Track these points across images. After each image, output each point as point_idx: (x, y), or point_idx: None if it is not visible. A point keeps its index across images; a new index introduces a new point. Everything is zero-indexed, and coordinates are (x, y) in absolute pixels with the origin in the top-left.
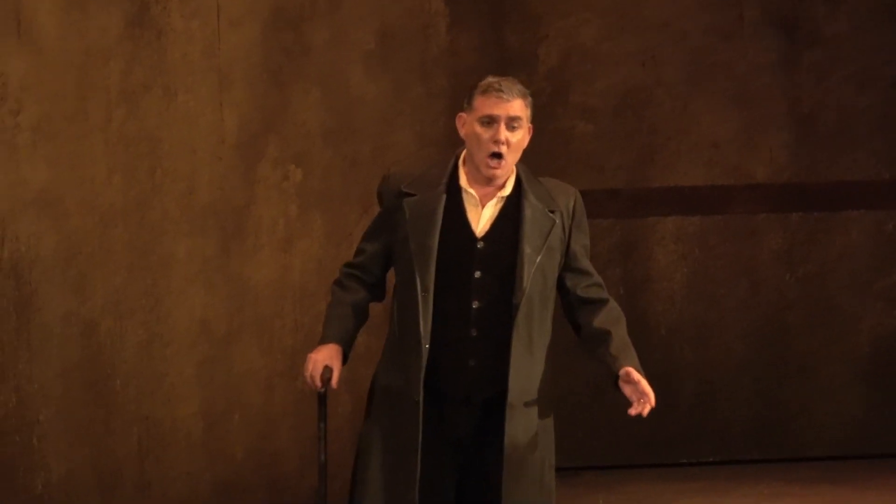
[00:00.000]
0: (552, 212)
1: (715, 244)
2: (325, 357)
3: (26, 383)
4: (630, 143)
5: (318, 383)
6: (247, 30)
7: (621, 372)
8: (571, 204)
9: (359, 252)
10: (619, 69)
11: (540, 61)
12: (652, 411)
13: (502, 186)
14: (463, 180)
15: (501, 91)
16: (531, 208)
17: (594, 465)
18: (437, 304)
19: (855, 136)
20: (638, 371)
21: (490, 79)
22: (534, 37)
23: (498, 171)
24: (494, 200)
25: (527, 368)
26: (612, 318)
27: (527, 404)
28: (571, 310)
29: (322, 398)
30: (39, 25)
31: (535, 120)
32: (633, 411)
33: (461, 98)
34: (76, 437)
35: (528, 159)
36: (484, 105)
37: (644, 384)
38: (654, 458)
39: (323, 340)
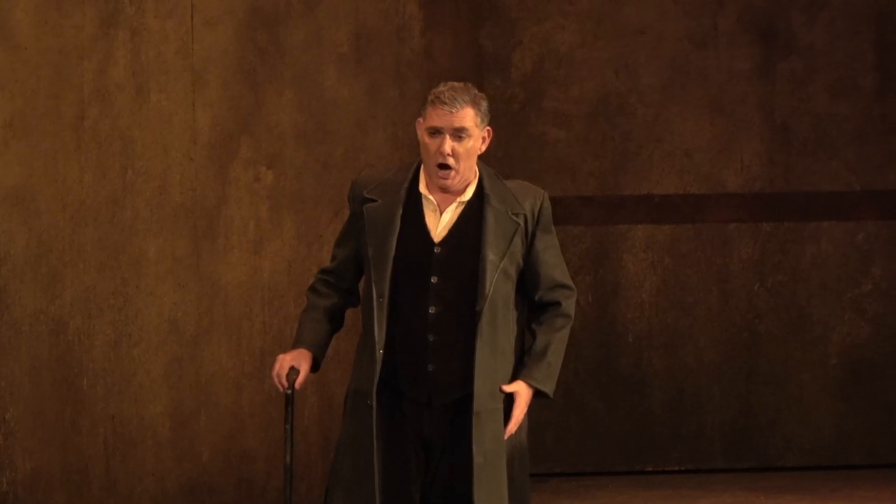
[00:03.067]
0: (516, 214)
1: (686, 253)
2: (292, 359)
3: None
4: (603, 150)
5: (284, 383)
6: (221, 30)
7: (503, 386)
8: (538, 206)
9: (332, 258)
10: (594, 76)
11: (514, 66)
12: (623, 417)
13: (462, 192)
14: (422, 186)
15: (445, 103)
16: (493, 213)
17: (562, 472)
18: (394, 309)
19: (829, 146)
20: (529, 386)
21: (440, 88)
22: (509, 42)
23: (447, 182)
24: (454, 206)
25: (492, 373)
26: (547, 322)
27: (494, 409)
28: (528, 311)
29: (288, 400)
30: (15, 23)
31: (509, 125)
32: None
33: None
34: (43, 435)
35: (501, 164)
36: (431, 116)
37: (516, 408)
38: (623, 466)
39: (294, 345)
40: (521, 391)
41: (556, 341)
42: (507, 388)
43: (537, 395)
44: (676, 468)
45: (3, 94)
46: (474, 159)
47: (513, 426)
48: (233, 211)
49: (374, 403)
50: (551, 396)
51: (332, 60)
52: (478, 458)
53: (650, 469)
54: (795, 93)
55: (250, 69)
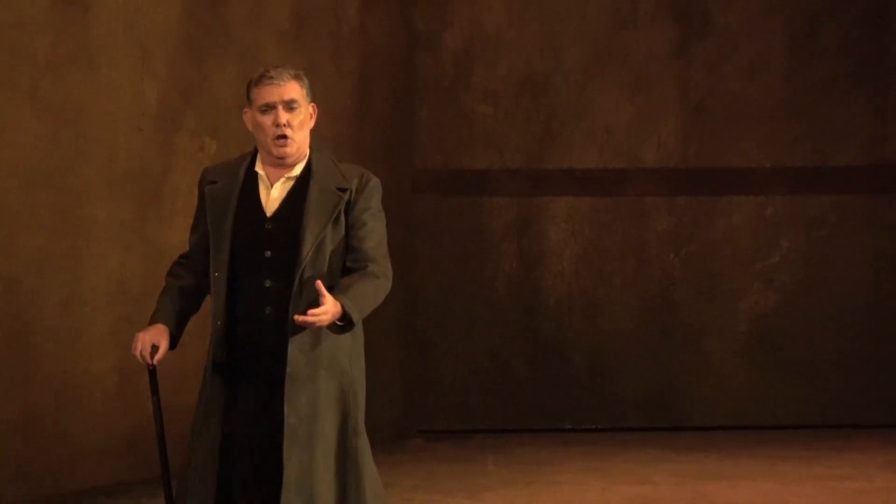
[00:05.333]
0: (342, 190)
1: (605, 223)
2: (151, 336)
3: None
4: (528, 127)
5: (148, 359)
6: (168, 7)
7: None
8: (363, 184)
9: (189, 244)
10: (520, 55)
11: (445, 45)
12: (544, 378)
13: (292, 167)
14: (258, 165)
15: (272, 78)
16: (318, 187)
17: (487, 429)
18: (234, 283)
19: (741, 125)
20: (338, 301)
21: (261, 70)
22: (440, 22)
23: (287, 150)
24: (282, 181)
25: (310, 341)
26: (355, 276)
27: (312, 375)
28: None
29: (152, 373)
30: None
31: (439, 101)
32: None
33: (371, 80)
34: None
35: (432, 137)
36: (260, 95)
37: (318, 311)
38: (544, 424)
39: (151, 322)
40: (329, 305)
41: (362, 283)
42: (318, 309)
43: (343, 319)
44: (594, 427)
45: None
46: (307, 132)
47: (309, 320)
48: (178, 178)
49: (209, 377)
50: (354, 323)
51: (273, 37)
52: (290, 419)
53: (569, 427)
54: (710, 74)
55: (196, 45)
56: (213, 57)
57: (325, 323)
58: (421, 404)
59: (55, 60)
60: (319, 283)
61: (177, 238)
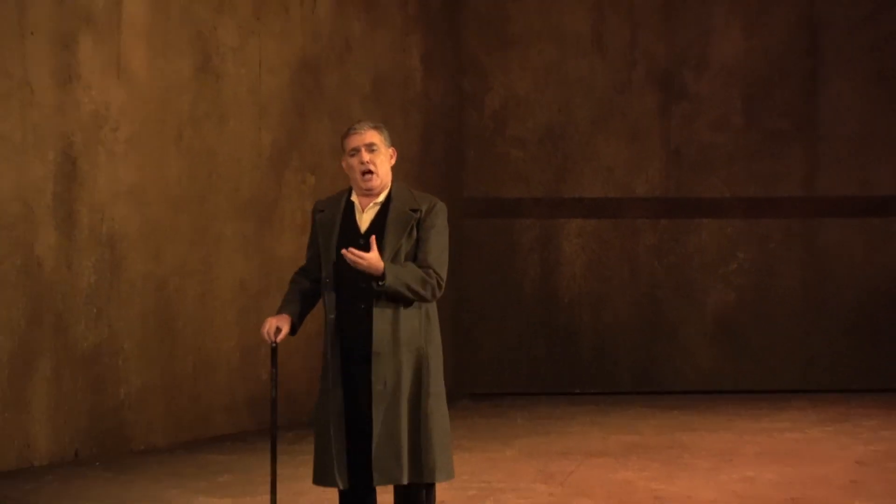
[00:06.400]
0: (414, 210)
1: (606, 240)
2: (277, 321)
3: None
4: (549, 166)
5: (272, 337)
6: (280, 76)
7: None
8: (431, 208)
9: (306, 258)
10: (543, 112)
11: (486, 105)
12: (560, 357)
13: (377, 196)
14: (353, 197)
15: (356, 129)
16: (396, 209)
17: (515, 392)
18: (339, 286)
19: (709, 166)
20: (382, 262)
21: (350, 126)
22: (483, 87)
23: (372, 183)
24: (371, 206)
25: (391, 326)
26: (413, 265)
27: (393, 352)
28: None
29: (274, 350)
30: (134, 67)
31: (482, 147)
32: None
33: (432, 130)
34: (149, 361)
35: (476, 175)
36: (348, 143)
37: (362, 255)
38: (558, 389)
39: (278, 311)
40: (372, 255)
41: (412, 268)
42: (361, 252)
43: (382, 278)
44: (596, 391)
45: (125, 118)
46: (387, 168)
47: (350, 256)
48: (286, 204)
49: (330, 359)
50: (384, 282)
51: (358, 98)
52: (377, 387)
53: (577, 391)
54: (686, 127)
55: (300, 104)
56: (312, 113)
57: (361, 265)
58: (467, 374)
59: (195, 115)
60: (373, 239)
61: (285, 249)
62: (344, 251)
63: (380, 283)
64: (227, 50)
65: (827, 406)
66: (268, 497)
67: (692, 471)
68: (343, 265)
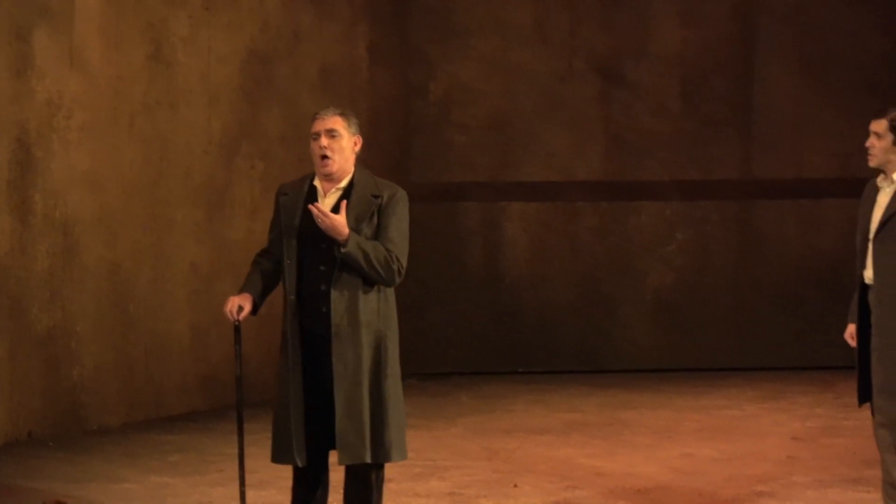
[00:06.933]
0: (376, 196)
1: (548, 222)
2: (239, 299)
3: None
4: (492, 151)
5: (235, 316)
6: (230, 65)
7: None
8: (392, 194)
9: (268, 241)
10: (487, 100)
11: (431, 93)
12: (504, 337)
13: (338, 181)
14: (316, 181)
15: (320, 115)
16: (357, 195)
17: (460, 371)
18: (301, 268)
19: (648, 150)
20: (348, 230)
21: (317, 109)
22: (428, 76)
23: (328, 168)
24: (333, 192)
25: (350, 307)
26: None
27: (352, 334)
28: None
29: (237, 328)
30: (87, 56)
31: (428, 134)
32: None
33: (378, 118)
34: (102, 343)
35: (421, 160)
36: (312, 127)
37: (327, 216)
38: (503, 368)
39: (240, 291)
40: (339, 218)
41: (376, 244)
42: (328, 212)
43: (344, 245)
44: (539, 370)
45: (78, 107)
46: (347, 155)
47: (316, 210)
48: (236, 190)
49: (290, 339)
50: (346, 248)
51: (307, 88)
52: (338, 367)
53: (521, 370)
54: (625, 114)
55: (249, 92)
56: (262, 101)
57: (325, 222)
58: (414, 354)
59: (147, 103)
60: (344, 204)
61: (235, 234)
62: (311, 206)
63: (341, 249)
64: (178, 40)
65: (763, 383)
66: (219, 475)
67: (633, 447)
68: (305, 247)
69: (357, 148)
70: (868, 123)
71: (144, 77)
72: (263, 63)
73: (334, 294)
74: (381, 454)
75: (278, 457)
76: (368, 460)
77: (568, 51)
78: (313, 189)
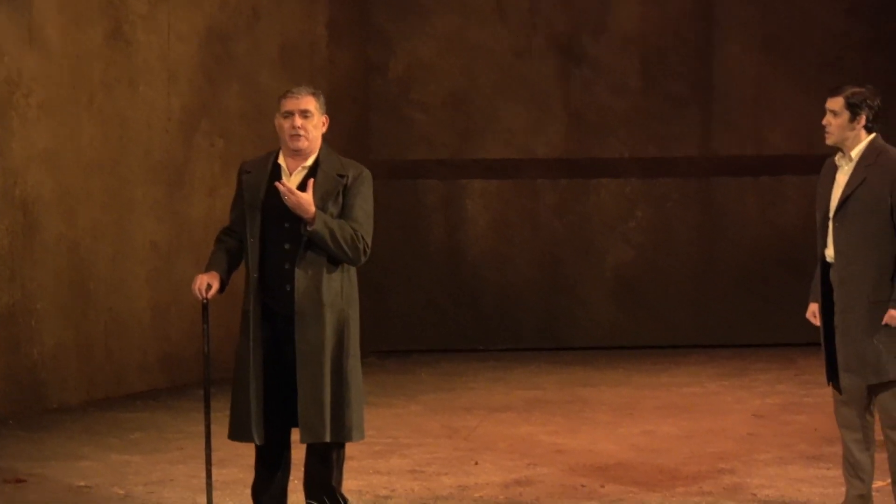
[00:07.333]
0: (341, 176)
1: (508, 199)
2: (208, 277)
3: None
4: (452, 129)
5: (204, 293)
6: (189, 43)
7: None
8: (357, 174)
9: (230, 219)
10: (446, 77)
11: (391, 71)
12: (465, 315)
13: (305, 159)
14: (280, 159)
15: (293, 93)
16: (322, 174)
17: (421, 349)
18: (264, 246)
19: (608, 127)
20: (315, 209)
21: (289, 88)
22: (387, 54)
23: (299, 144)
24: (298, 170)
25: (314, 287)
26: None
27: (315, 313)
28: None
29: (205, 306)
30: (46, 34)
31: (387, 111)
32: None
33: (338, 96)
34: (62, 321)
35: (381, 138)
36: (284, 104)
37: (298, 193)
38: (463, 346)
39: (206, 269)
40: (306, 196)
41: (342, 222)
42: (296, 190)
43: (311, 223)
44: (500, 348)
45: (38, 85)
46: (317, 134)
47: (283, 188)
48: (195, 167)
49: (252, 317)
50: (312, 226)
51: (266, 65)
52: (301, 346)
53: (482, 348)
54: (585, 91)
55: (209, 70)
56: (221, 79)
57: (292, 200)
58: (374, 331)
59: (106, 81)
60: (311, 182)
61: (195, 211)
62: (277, 183)
63: (308, 227)
64: (137, 18)
65: (724, 360)
66: (180, 453)
67: (593, 424)
68: (268, 225)
69: (324, 127)
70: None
71: (104, 55)
72: (223, 41)
73: (298, 273)
74: (343, 434)
75: (236, 434)
76: (329, 439)
77: (527, 28)
78: (278, 167)
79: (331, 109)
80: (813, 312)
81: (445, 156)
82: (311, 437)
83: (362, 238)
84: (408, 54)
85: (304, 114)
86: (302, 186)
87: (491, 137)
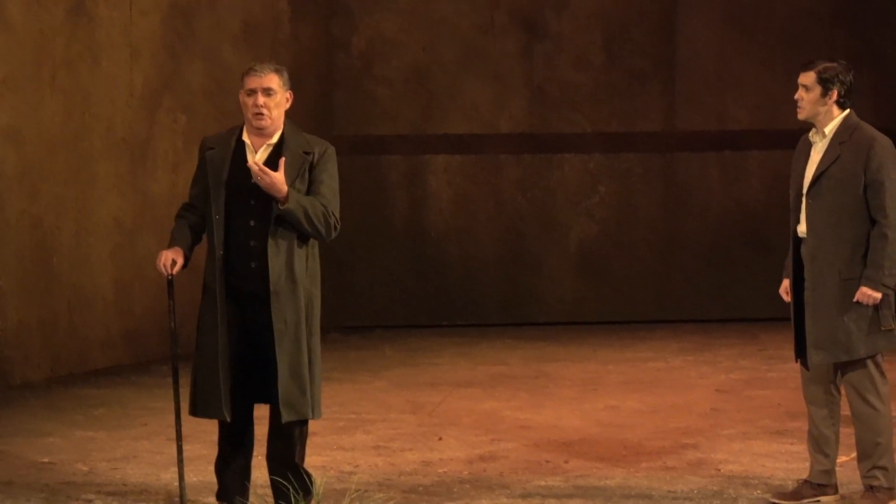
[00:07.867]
0: (307, 153)
1: (472, 174)
2: (172, 254)
3: None
4: (415, 104)
5: (169, 269)
6: (152, 19)
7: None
8: (322, 151)
9: (190, 196)
10: (409, 52)
11: (354, 45)
12: (429, 290)
13: (271, 137)
14: (245, 136)
15: (256, 71)
16: (289, 152)
17: (385, 325)
18: (228, 223)
19: (571, 102)
20: (289, 189)
21: (251, 64)
22: (350, 29)
23: (262, 122)
24: (263, 147)
25: (286, 265)
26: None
27: (289, 292)
28: None
29: (170, 282)
30: (7, 10)
31: (350, 86)
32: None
33: (301, 71)
34: (26, 297)
35: (344, 114)
36: (247, 82)
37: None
38: (427, 321)
39: (170, 245)
40: (278, 176)
41: (313, 199)
42: (269, 170)
43: (286, 202)
44: (463, 323)
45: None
46: (281, 111)
47: (256, 169)
48: (158, 144)
49: (217, 295)
50: (286, 205)
51: (229, 41)
52: (278, 325)
53: (446, 324)
54: (548, 66)
55: (171, 46)
56: (184, 55)
57: (265, 180)
58: (338, 306)
59: (69, 57)
60: (283, 161)
61: (158, 187)
62: (250, 163)
63: (281, 206)
64: None
65: (687, 336)
66: (143, 429)
67: (558, 400)
68: (233, 202)
69: (288, 104)
70: (791, 76)
71: (66, 31)
72: (185, 16)
73: (271, 252)
74: (313, 411)
75: (199, 411)
76: (311, 416)
77: (490, 3)
78: (242, 144)
79: (294, 85)
80: (785, 289)
81: (408, 131)
82: (292, 414)
83: (332, 214)
84: (371, 29)
85: (267, 91)
86: (269, 163)
87: (454, 113)
